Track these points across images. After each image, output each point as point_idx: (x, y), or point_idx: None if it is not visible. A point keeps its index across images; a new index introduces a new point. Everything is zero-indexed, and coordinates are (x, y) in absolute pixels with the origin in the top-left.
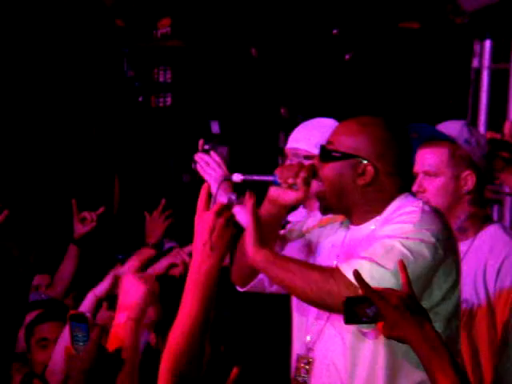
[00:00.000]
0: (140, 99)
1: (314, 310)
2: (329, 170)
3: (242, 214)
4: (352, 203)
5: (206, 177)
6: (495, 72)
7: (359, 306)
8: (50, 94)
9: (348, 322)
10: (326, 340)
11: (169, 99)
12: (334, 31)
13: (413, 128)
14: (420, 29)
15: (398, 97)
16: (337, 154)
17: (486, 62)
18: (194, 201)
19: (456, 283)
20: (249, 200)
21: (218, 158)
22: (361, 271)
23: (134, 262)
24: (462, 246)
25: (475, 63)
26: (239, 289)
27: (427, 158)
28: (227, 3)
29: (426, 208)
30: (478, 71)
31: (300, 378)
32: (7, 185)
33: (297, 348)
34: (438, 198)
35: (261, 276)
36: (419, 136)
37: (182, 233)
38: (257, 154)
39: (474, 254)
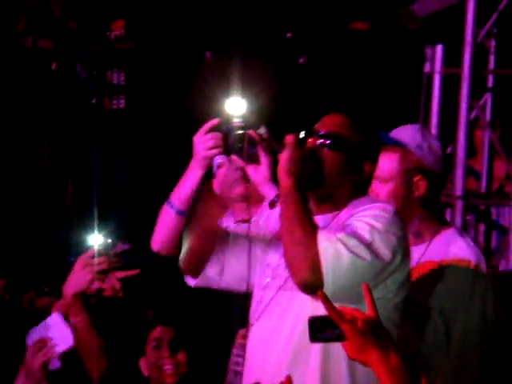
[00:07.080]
0: (93, 101)
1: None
2: (335, 159)
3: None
4: (334, 195)
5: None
6: (447, 77)
7: (325, 323)
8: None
9: (313, 339)
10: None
11: (122, 101)
12: (288, 35)
13: None
14: (372, 34)
15: (349, 101)
16: (348, 147)
17: (438, 66)
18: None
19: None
20: (290, 137)
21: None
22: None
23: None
24: (418, 250)
25: (427, 68)
26: (190, 281)
27: (379, 164)
28: (180, 5)
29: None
30: (430, 76)
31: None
32: None
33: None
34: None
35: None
36: None
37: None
38: None
39: (429, 258)
